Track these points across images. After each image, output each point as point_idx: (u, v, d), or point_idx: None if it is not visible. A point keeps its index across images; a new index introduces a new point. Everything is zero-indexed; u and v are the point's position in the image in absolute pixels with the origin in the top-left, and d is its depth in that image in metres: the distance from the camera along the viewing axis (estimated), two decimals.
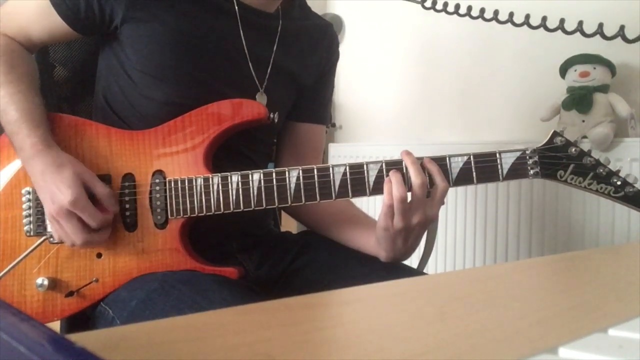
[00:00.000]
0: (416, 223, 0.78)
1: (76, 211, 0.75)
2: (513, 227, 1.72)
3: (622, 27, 0.74)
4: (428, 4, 0.78)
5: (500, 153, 0.80)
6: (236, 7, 0.87)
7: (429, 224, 0.81)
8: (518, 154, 0.80)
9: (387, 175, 0.78)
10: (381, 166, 0.79)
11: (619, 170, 0.79)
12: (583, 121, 1.50)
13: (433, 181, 0.78)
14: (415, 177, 0.77)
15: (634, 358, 0.25)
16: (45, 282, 0.81)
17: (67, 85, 1.05)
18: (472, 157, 0.79)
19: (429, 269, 1.80)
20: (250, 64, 0.89)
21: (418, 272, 0.94)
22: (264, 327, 0.30)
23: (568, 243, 1.60)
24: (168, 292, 0.73)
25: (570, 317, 0.34)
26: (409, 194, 0.78)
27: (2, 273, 0.80)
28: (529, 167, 0.80)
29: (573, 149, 0.79)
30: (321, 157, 1.08)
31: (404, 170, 0.78)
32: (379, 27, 2.27)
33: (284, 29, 0.93)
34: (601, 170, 0.78)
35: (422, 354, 0.27)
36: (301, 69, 0.97)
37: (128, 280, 0.81)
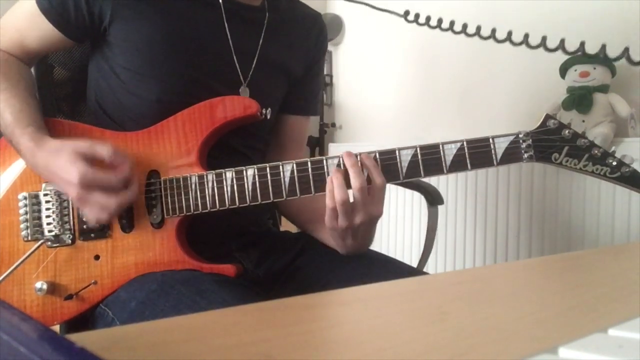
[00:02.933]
0: (360, 223, 0.79)
1: (90, 183, 0.74)
2: (513, 227, 1.72)
3: (603, 46, 0.72)
4: (411, 17, 0.76)
5: (493, 138, 0.79)
6: (221, 1, 0.88)
7: (375, 221, 0.81)
8: (511, 138, 0.79)
9: (329, 175, 0.78)
10: (375, 157, 0.79)
11: (614, 151, 0.77)
12: (583, 121, 1.50)
13: (370, 178, 0.78)
14: (353, 180, 0.77)
15: (634, 358, 0.25)
16: (44, 286, 0.81)
17: (66, 86, 1.05)
18: (465, 143, 0.79)
19: (429, 268, 1.80)
20: (234, 58, 0.89)
21: (418, 272, 0.94)
22: (264, 327, 0.30)
23: (568, 243, 1.60)
24: (167, 292, 0.73)
25: (570, 317, 0.34)
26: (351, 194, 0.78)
27: (0, 278, 0.80)
28: (522, 151, 0.78)
29: (567, 131, 0.78)
30: (304, 147, 1.09)
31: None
32: (378, 27, 2.28)
33: (271, 21, 0.94)
34: (596, 152, 0.77)
35: (422, 354, 0.26)
36: (290, 60, 0.97)
37: (127, 281, 0.81)
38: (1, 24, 0.90)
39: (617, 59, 0.71)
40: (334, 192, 0.77)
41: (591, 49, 0.73)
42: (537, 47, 0.75)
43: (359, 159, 0.78)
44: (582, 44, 0.72)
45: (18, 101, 0.82)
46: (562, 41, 0.73)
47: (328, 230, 0.83)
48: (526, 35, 0.76)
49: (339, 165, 0.79)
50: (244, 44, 0.91)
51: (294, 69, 0.98)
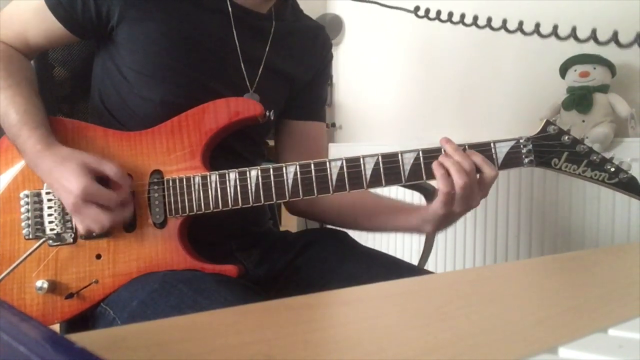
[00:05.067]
0: (474, 205, 0.80)
1: (89, 198, 0.75)
2: (513, 227, 1.72)
3: (615, 33, 0.72)
4: (421, 12, 0.77)
5: (494, 143, 0.80)
6: (229, 7, 0.88)
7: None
8: (512, 143, 0.80)
9: (427, 163, 0.78)
10: (377, 159, 0.79)
11: (612, 157, 0.79)
12: (583, 121, 1.50)
13: (480, 170, 0.79)
14: (468, 163, 0.77)
15: (634, 358, 0.25)
16: (45, 285, 0.81)
17: (66, 85, 1.05)
18: (467, 147, 0.79)
19: (429, 268, 1.80)
20: (242, 64, 0.90)
21: (419, 271, 0.94)
22: (264, 327, 0.30)
23: (568, 243, 1.60)
24: (169, 292, 0.73)
25: (570, 317, 0.34)
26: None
27: (1, 276, 0.80)
28: (523, 156, 0.80)
29: (566, 137, 0.79)
30: (324, 154, 1.08)
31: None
32: (378, 27, 2.28)
33: (277, 30, 0.94)
34: (595, 158, 0.78)
35: (422, 354, 0.27)
36: (294, 69, 0.98)
37: (128, 280, 0.81)
38: (4, 15, 0.89)
39: (607, 42, 0.71)
40: (451, 177, 0.77)
41: (582, 33, 0.73)
42: (531, 33, 0.75)
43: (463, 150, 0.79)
44: (574, 29, 0.72)
45: (23, 100, 0.82)
46: (555, 27, 0.73)
47: (437, 217, 0.82)
48: (520, 23, 0.76)
49: (341, 167, 0.79)
50: (251, 51, 0.91)
51: (297, 77, 0.99)
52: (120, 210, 0.78)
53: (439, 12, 0.79)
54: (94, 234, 0.80)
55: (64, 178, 0.76)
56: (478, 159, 0.78)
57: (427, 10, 0.80)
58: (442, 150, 0.79)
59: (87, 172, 0.76)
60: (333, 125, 2.40)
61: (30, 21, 0.87)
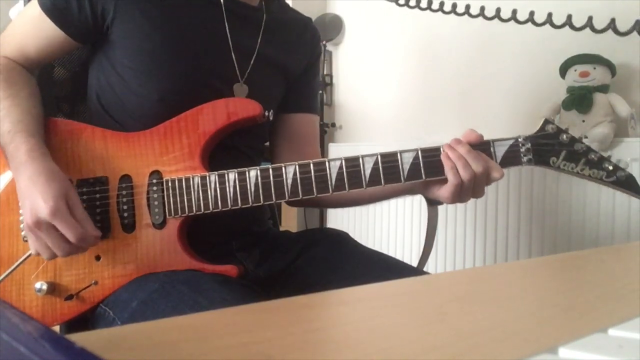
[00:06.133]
0: (479, 195, 0.82)
1: (55, 222, 0.72)
2: (513, 227, 1.72)
3: (637, 22, 0.72)
4: (401, 1, 0.76)
5: (493, 142, 0.81)
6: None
7: None
8: (511, 142, 0.81)
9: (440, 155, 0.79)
10: (377, 159, 0.79)
11: (610, 156, 0.80)
12: (583, 121, 1.50)
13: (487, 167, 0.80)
14: (474, 165, 0.78)
15: (634, 358, 0.25)
16: (44, 287, 0.81)
17: (66, 85, 1.05)
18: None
19: (429, 268, 1.80)
20: (233, 55, 0.90)
21: (418, 271, 0.94)
22: (264, 327, 0.30)
23: (568, 243, 1.60)
24: (169, 292, 0.73)
25: (570, 317, 0.34)
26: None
27: (0, 279, 0.80)
28: (522, 155, 0.80)
29: (564, 136, 0.80)
30: (318, 146, 1.09)
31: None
32: (378, 27, 2.28)
33: (268, 21, 0.95)
34: (593, 156, 0.79)
35: (422, 354, 0.27)
36: (287, 60, 0.98)
37: (127, 281, 0.81)
38: (5, 32, 0.90)
39: (627, 32, 0.71)
40: (457, 170, 0.78)
41: (596, 24, 0.73)
42: (543, 24, 0.75)
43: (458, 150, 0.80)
44: (590, 19, 0.71)
45: (20, 110, 0.81)
46: (569, 17, 0.72)
47: (444, 200, 0.83)
48: (531, 13, 0.76)
49: (340, 167, 0.79)
50: (243, 42, 0.91)
51: (291, 69, 0.99)
52: (74, 247, 0.75)
53: (418, 1, 0.79)
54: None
55: (41, 193, 0.72)
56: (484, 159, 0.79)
57: (430, 2, 0.79)
58: (441, 148, 0.80)
59: (64, 199, 0.74)
60: (333, 125, 2.40)
61: (29, 32, 0.87)
